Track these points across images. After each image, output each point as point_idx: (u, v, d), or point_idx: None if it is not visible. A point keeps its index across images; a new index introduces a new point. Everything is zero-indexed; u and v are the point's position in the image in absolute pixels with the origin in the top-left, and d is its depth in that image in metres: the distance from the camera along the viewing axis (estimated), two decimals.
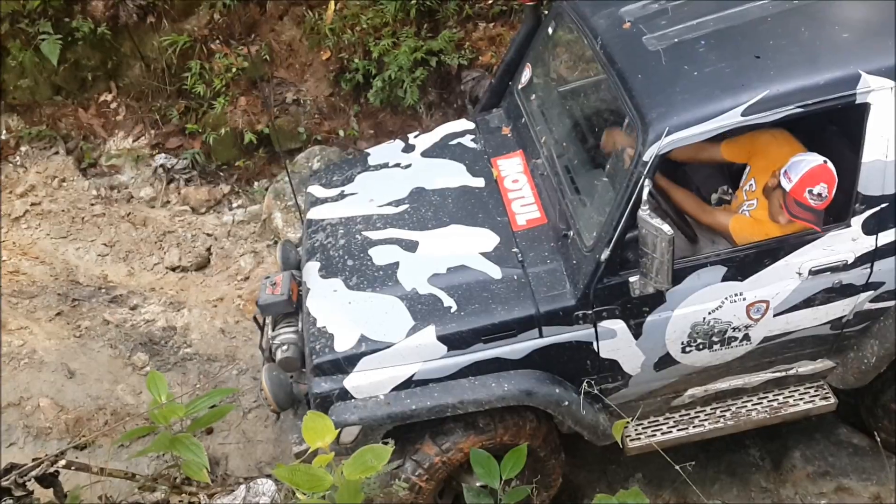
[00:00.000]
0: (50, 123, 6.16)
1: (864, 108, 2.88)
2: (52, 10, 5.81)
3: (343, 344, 3.23)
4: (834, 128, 3.32)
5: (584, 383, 3.25)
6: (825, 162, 2.98)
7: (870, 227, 3.06)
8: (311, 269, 3.58)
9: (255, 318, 3.74)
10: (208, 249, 5.49)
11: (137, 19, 5.90)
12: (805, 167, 2.98)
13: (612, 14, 3.38)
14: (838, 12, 3.11)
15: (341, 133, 5.91)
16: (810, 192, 2.95)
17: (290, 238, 5.06)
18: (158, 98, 6.09)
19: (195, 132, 5.94)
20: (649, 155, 2.89)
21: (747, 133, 3.25)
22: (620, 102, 3.11)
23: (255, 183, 5.90)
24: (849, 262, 3.12)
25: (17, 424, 4.33)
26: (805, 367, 3.56)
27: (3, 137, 6.13)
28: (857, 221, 3.05)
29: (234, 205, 5.85)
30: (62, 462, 2.87)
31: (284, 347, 3.45)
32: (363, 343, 3.22)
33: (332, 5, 5.84)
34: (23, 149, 6.12)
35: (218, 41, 6.01)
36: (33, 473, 2.88)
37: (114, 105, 6.17)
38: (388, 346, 3.19)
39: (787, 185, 2.99)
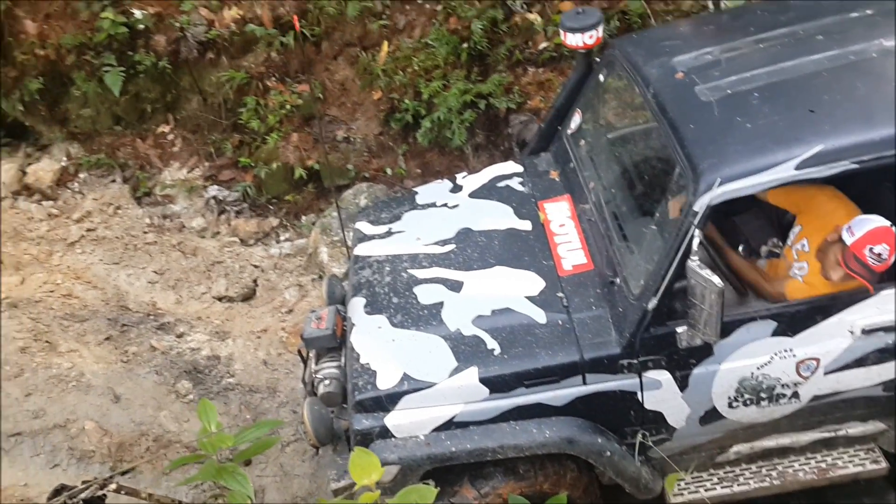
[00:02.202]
0: (109, 152, 6.36)
1: None
2: (116, 44, 6.03)
3: (385, 381, 3.24)
4: (888, 184, 3.27)
5: (631, 435, 3.20)
6: (892, 226, 2.94)
7: None
8: (357, 304, 3.61)
9: (298, 351, 3.77)
10: (255, 281, 5.57)
11: (197, 55, 6.09)
12: (871, 225, 2.95)
13: (665, 63, 3.40)
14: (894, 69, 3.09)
15: (389, 171, 5.99)
16: (871, 249, 2.91)
17: (336, 273, 5.12)
18: (214, 131, 6.26)
19: (248, 166, 6.08)
20: (700, 205, 2.88)
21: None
22: (672, 152, 3.12)
23: (303, 217, 5.99)
24: None
25: (61, 446, 4.40)
26: (855, 429, 3.46)
27: (63, 164, 6.34)
28: None
29: (282, 238, 5.95)
30: (112, 486, 2.91)
31: (327, 382, 3.47)
32: (405, 381, 3.22)
33: (385, 47, 5.97)
34: (81, 176, 6.32)
35: (274, 78, 6.17)
36: (83, 496, 2.93)
37: (170, 137, 6.35)
38: (431, 386, 3.20)
39: (848, 240, 2.96)
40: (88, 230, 5.91)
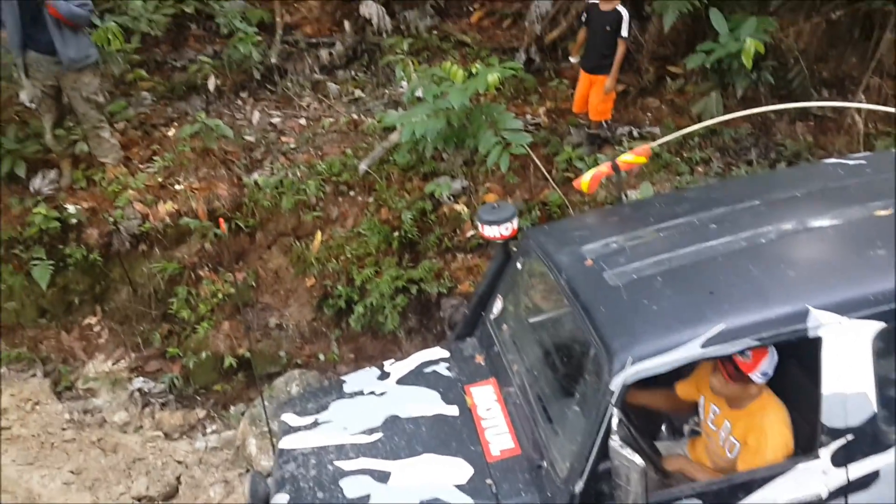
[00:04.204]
0: (31, 346, 6.19)
1: (817, 342, 3.00)
2: (47, 238, 6.06)
3: None
4: (793, 360, 3.42)
5: None
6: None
7: (839, 460, 3.06)
8: (280, 501, 3.48)
9: None
10: (178, 478, 5.30)
11: (130, 247, 6.16)
12: None
13: (575, 251, 3.60)
14: (783, 251, 3.33)
15: (321, 357, 5.97)
16: (741, 352, 3.05)
17: (264, 466, 4.94)
18: (142, 322, 6.20)
19: (176, 356, 5.99)
20: (616, 385, 2.96)
21: (696, 371, 3.37)
22: (586, 334, 3.24)
23: (232, 407, 5.85)
24: (823, 498, 3.08)
25: None
26: None
27: None
28: (825, 453, 3.05)
29: (209, 430, 5.76)
30: None
31: None
32: None
33: (318, 236, 6.17)
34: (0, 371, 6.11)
35: (207, 268, 6.24)
36: None
37: (97, 328, 6.26)
38: None
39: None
40: (3, 428, 5.62)
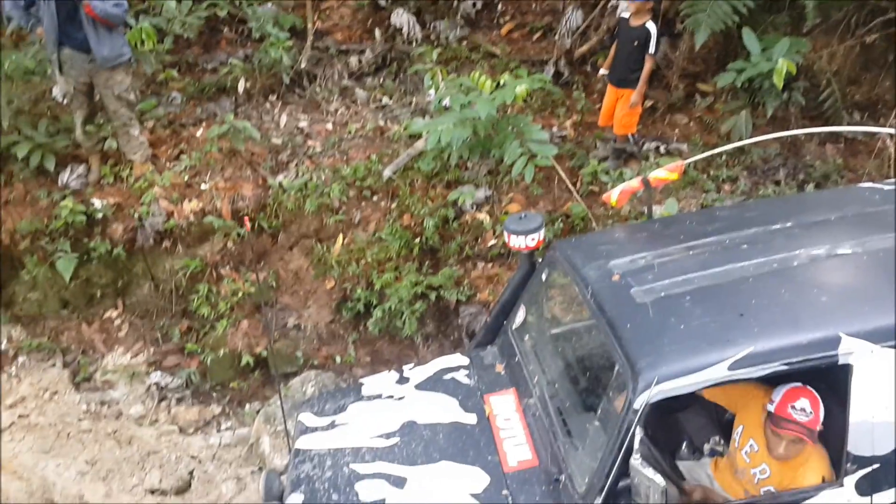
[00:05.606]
0: (52, 336, 6.25)
1: (847, 369, 2.97)
2: (72, 231, 6.12)
3: None
4: (822, 385, 3.38)
5: None
6: (803, 385, 3.08)
7: (863, 489, 3.02)
8: (294, 501, 3.48)
9: None
10: (191, 473, 5.32)
11: (153, 243, 6.20)
12: (783, 388, 3.11)
13: (602, 266, 3.58)
14: (815, 276, 3.30)
15: (338, 359, 5.98)
16: (793, 407, 3.04)
17: (277, 464, 4.94)
18: (163, 317, 6.24)
19: (194, 352, 6.02)
20: (640, 403, 2.94)
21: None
22: (611, 350, 3.22)
23: (247, 405, 5.86)
24: None
25: None
26: None
27: (3, 347, 6.18)
28: (849, 482, 3.01)
29: (223, 427, 5.77)
30: None
31: None
32: None
33: (340, 239, 6.19)
34: (20, 359, 6.15)
35: (228, 266, 6.28)
36: None
37: (118, 321, 6.30)
38: None
39: (770, 408, 3.10)
40: (21, 416, 5.67)
